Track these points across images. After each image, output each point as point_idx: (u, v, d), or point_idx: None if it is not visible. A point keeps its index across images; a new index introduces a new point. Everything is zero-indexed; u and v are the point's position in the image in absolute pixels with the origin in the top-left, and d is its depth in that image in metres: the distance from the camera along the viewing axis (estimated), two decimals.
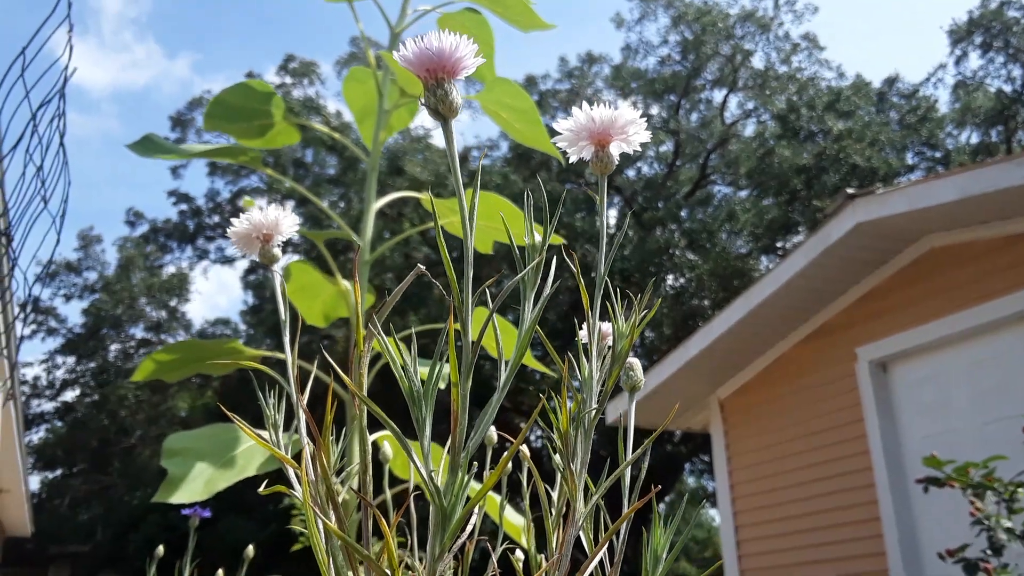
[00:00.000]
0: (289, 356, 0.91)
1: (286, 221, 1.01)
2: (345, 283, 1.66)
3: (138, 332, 20.98)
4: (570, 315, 17.68)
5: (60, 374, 20.94)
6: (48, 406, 21.03)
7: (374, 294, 1.67)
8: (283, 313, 0.91)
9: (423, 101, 0.78)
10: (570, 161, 0.90)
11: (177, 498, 1.57)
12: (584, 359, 0.93)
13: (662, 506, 20.91)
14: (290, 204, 20.42)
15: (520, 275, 0.78)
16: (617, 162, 0.88)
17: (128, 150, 1.60)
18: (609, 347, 0.97)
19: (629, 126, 0.87)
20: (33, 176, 1.50)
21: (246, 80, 1.68)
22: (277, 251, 1.01)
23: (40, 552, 18.62)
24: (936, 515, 5.42)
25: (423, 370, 1.31)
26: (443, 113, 0.79)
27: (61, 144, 1.54)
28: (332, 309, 1.79)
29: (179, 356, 1.51)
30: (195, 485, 1.52)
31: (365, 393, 1.44)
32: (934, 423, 5.62)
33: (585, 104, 0.86)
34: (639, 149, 0.89)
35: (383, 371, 1.83)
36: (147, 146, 1.61)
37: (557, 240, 1.57)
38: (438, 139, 20.04)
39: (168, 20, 32.55)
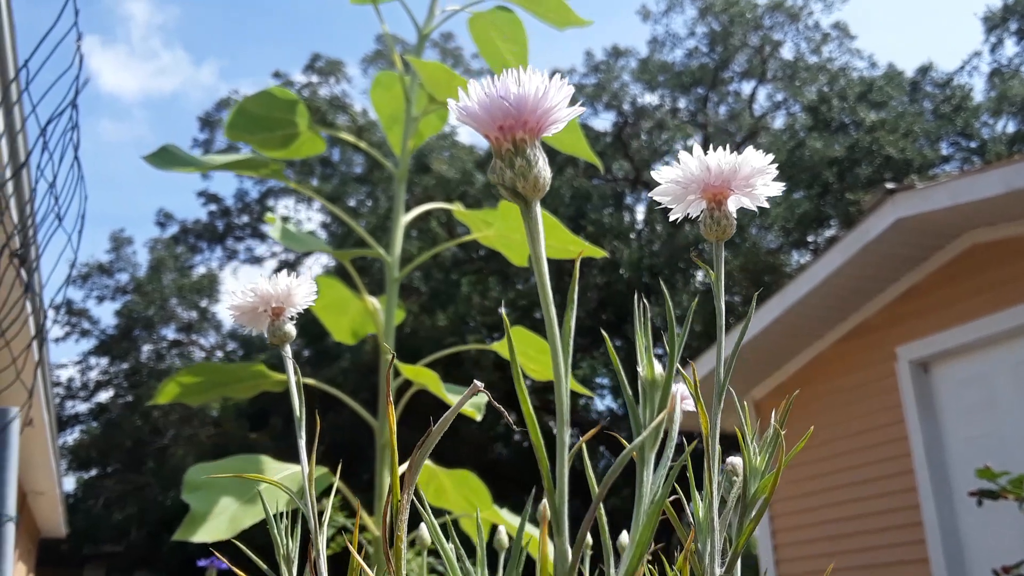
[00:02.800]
0: (306, 467, 0.74)
1: (300, 291, 0.82)
2: (372, 301, 1.57)
3: (170, 333, 21.17)
4: (598, 312, 17.56)
5: (94, 375, 21.18)
6: (82, 407, 21.28)
7: (404, 308, 1.58)
8: (298, 408, 0.76)
9: (491, 175, 0.57)
10: (664, 210, 0.70)
11: (200, 536, 1.49)
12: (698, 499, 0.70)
13: (690, 506, 20.72)
14: (316, 204, 20.46)
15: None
16: (735, 226, 0.69)
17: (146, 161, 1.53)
18: (735, 483, 0.73)
19: (756, 176, 0.66)
20: (46, 193, 1.43)
21: (269, 88, 1.60)
22: (290, 327, 0.81)
23: (75, 553, 18.85)
24: (983, 520, 5.24)
25: (454, 397, 1.21)
26: (524, 194, 0.56)
27: (76, 157, 1.47)
28: (360, 326, 1.71)
29: (203, 380, 1.43)
30: (219, 522, 1.44)
31: (395, 425, 1.35)
32: (979, 425, 5.44)
33: (697, 148, 0.68)
34: (759, 205, 0.68)
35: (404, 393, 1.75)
36: (165, 158, 1.53)
37: (600, 253, 1.47)
38: (464, 136, 19.97)
39: (195, 26, 32.82)
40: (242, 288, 0.83)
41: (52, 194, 1.46)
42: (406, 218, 1.54)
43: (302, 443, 0.75)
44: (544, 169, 0.57)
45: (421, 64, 1.40)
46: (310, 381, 1.35)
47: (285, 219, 21.67)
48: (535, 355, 1.49)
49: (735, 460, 0.76)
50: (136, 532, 19.38)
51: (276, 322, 0.83)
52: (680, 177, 0.64)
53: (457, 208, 1.58)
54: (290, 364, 0.77)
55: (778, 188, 0.65)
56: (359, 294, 1.61)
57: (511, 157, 0.55)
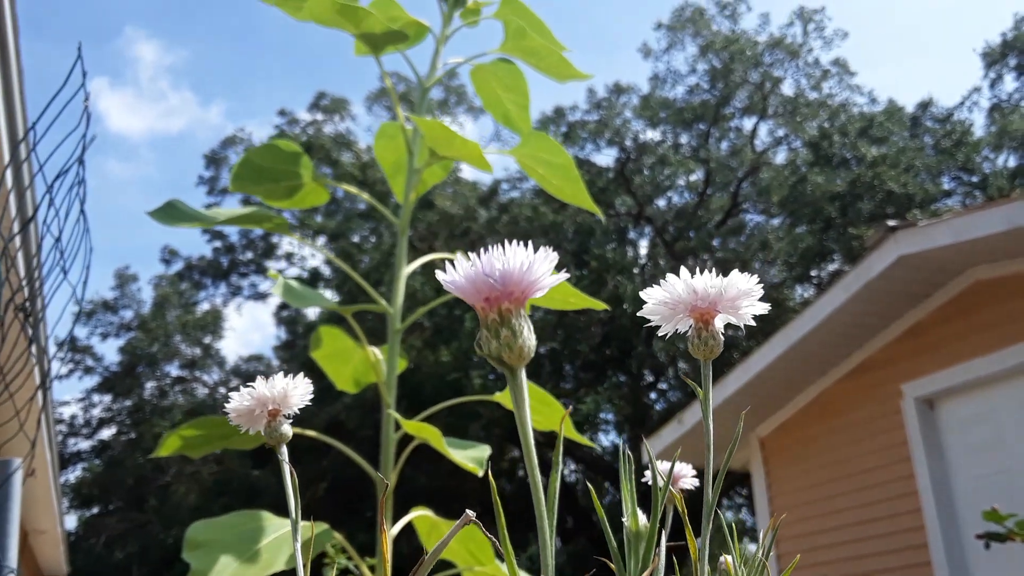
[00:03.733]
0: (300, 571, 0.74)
1: (296, 392, 0.84)
2: (375, 351, 1.58)
3: (173, 369, 21.15)
4: (602, 347, 17.52)
5: (97, 412, 21.14)
6: (84, 444, 21.21)
7: (406, 358, 1.58)
8: (294, 510, 0.76)
9: (478, 345, 0.58)
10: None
11: None
12: None
13: (699, 541, 20.46)
14: (321, 240, 20.55)
15: None
16: (722, 345, 0.70)
17: (152, 217, 1.55)
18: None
19: (741, 298, 0.67)
20: (52, 247, 1.45)
21: (273, 140, 1.62)
22: (287, 428, 0.83)
23: None
24: (993, 559, 5.19)
25: (467, 453, 1.21)
26: (509, 363, 0.57)
27: (82, 211, 1.50)
28: (363, 375, 1.71)
29: (204, 432, 1.43)
30: None
31: (396, 475, 1.35)
32: (987, 463, 5.41)
33: (684, 272, 0.69)
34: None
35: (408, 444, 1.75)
36: (170, 213, 1.55)
37: (600, 306, 1.48)
38: (467, 172, 20.08)
39: (203, 68, 33.25)
40: (240, 393, 0.84)
41: (58, 248, 1.48)
42: (408, 269, 1.56)
43: (298, 546, 0.76)
44: (529, 338, 0.58)
45: (423, 122, 1.43)
46: (311, 433, 1.36)
47: (289, 256, 21.67)
48: (536, 406, 1.49)
49: (728, 559, 0.77)
50: (138, 570, 19.20)
51: (273, 423, 0.84)
52: (668, 299, 0.66)
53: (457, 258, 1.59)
54: (286, 469, 0.78)
55: (764, 308, 0.66)
56: (361, 344, 1.62)
57: (497, 328, 0.56)
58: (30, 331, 1.49)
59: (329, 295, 20.86)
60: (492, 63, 1.84)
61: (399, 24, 1.83)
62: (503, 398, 1.50)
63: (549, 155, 1.68)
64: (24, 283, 1.59)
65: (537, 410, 1.49)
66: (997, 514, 3.07)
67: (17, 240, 1.71)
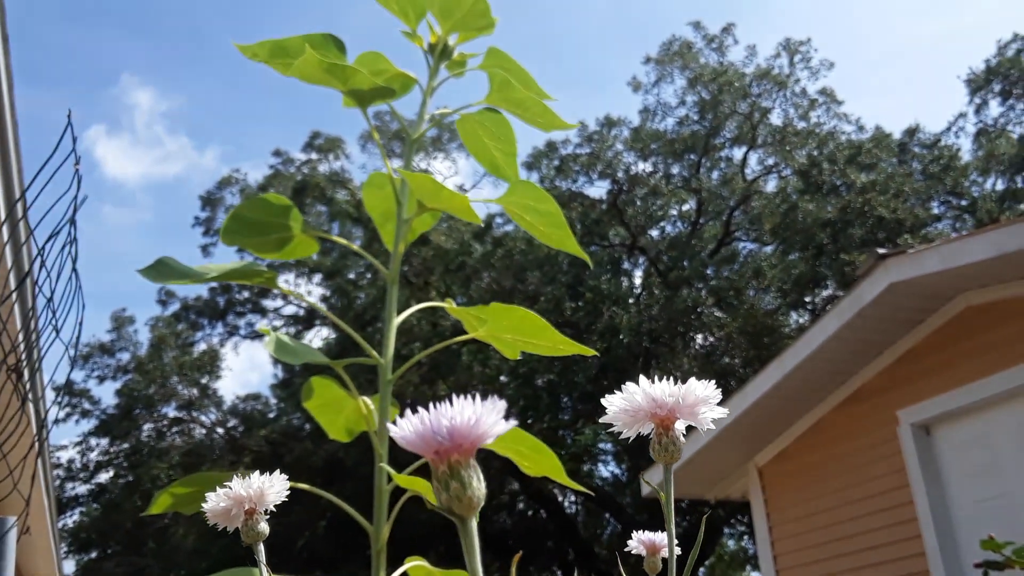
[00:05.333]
0: None
1: (272, 489, 0.85)
2: (366, 401, 1.60)
3: (170, 411, 21.06)
4: (599, 378, 17.48)
5: (94, 456, 21.01)
6: (82, 489, 21.05)
7: (397, 407, 1.60)
8: None
9: (432, 495, 0.60)
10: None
11: None
12: None
13: (702, 570, 20.32)
14: (317, 277, 20.57)
15: None
16: (683, 449, 0.73)
17: (142, 274, 1.58)
18: None
19: (699, 405, 0.71)
20: (44, 308, 1.48)
21: (264, 195, 1.65)
22: (264, 526, 0.84)
23: None
24: None
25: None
26: (459, 513, 0.58)
27: (74, 269, 1.53)
28: (355, 424, 1.73)
29: (196, 489, 1.45)
30: None
31: (389, 527, 1.36)
32: (986, 487, 5.41)
33: (643, 380, 0.72)
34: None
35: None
36: (160, 271, 1.58)
37: (589, 352, 1.51)
38: None
39: (198, 113, 33.58)
40: (216, 493, 0.85)
41: (50, 308, 1.50)
42: (398, 320, 1.58)
43: None
44: (478, 488, 0.60)
45: (411, 175, 1.46)
46: (303, 485, 1.38)
47: (285, 294, 21.66)
48: (528, 453, 1.51)
49: None
50: None
51: (250, 521, 0.85)
52: (628, 407, 0.68)
53: (449, 305, 1.63)
54: (264, 570, 0.80)
55: (722, 412, 0.70)
56: (352, 394, 1.64)
57: (447, 480, 0.58)
58: (23, 391, 1.51)
59: (325, 332, 20.84)
60: (478, 113, 1.88)
61: (386, 77, 1.87)
62: (495, 446, 1.52)
63: (536, 203, 1.72)
64: (19, 342, 1.61)
65: (529, 457, 1.51)
66: (994, 543, 3.07)
67: (13, 298, 1.74)
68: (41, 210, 1.41)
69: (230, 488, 0.84)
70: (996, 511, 5.27)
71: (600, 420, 0.70)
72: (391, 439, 1.52)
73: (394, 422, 0.60)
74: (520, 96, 1.93)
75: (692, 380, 0.70)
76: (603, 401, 0.70)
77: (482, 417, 0.58)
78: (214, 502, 0.85)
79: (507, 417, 0.60)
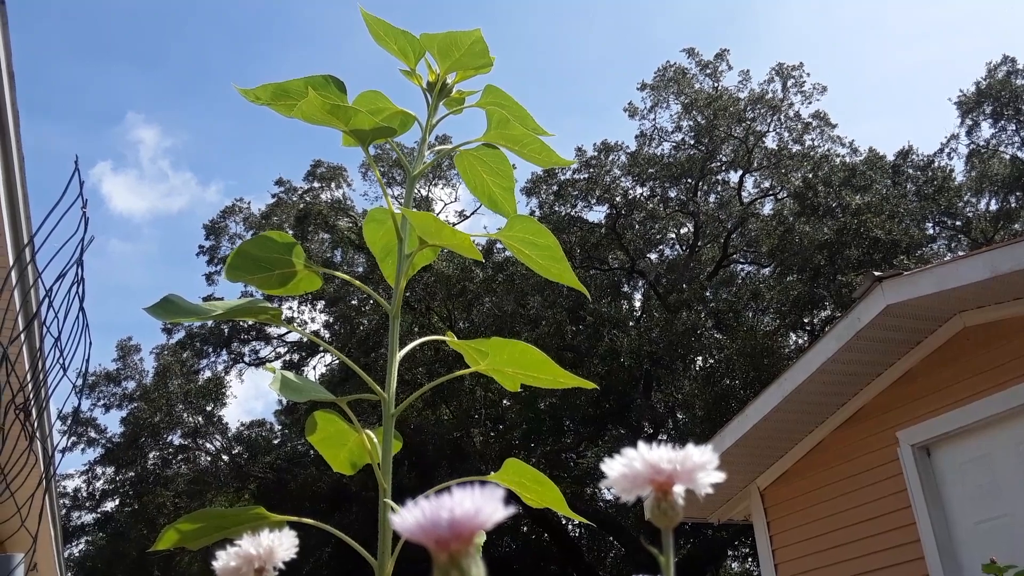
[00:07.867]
0: None
1: (282, 547, 0.86)
2: (370, 435, 1.62)
3: (176, 438, 21.04)
4: (601, 401, 17.46)
5: (100, 484, 20.98)
6: (88, 517, 20.99)
7: (401, 441, 1.63)
8: None
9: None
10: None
11: None
12: None
13: None
14: (320, 304, 20.59)
15: None
16: (682, 512, 0.74)
17: (148, 312, 1.62)
18: None
19: (697, 471, 0.72)
20: (51, 348, 1.51)
21: (267, 232, 1.69)
22: None
23: None
24: None
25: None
26: None
27: (81, 308, 1.56)
28: (359, 457, 1.75)
29: (203, 525, 1.47)
30: None
31: (393, 562, 1.39)
32: (987, 508, 5.40)
33: (642, 446, 0.74)
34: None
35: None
36: (166, 308, 1.61)
37: (589, 385, 1.54)
38: (463, 229, 20.22)
39: (202, 148, 33.96)
40: (227, 552, 0.87)
41: (57, 347, 1.54)
42: (401, 353, 1.61)
43: None
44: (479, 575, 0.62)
45: (411, 213, 1.50)
46: (309, 521, 1.41)
47: (289, 319, 21.70)
48: (531, 484, 1.53)
49: None
50: None
51: None
52: (627, 473, 0.71)
53: (451, 338, 1.66)
54: None
55: (719, 477, 0.71)
56: (356, 427, 1.66)
57: (447, 569, 0.61)
58: (31, 428, 1.54)
59: (329, 359, 20.82)
60: (477, 149, 1.93)
61: (386, 115, 1.92)
62: (498, 477, 1.54)
63: (534, 237, 1.75)
64: (27, 382, 1.64)
65: (531, 488, 1.54)
66: (996, 566, 3.09)
67: (22, 339, 1.77)
68: (49, 252, 1.45)
69: (240, 547, 0.85)
70: (997, 532, 5.26)
71: (602, 484, 0.72)
72: (394, 472, 1.55)
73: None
74: (518, 133, 1.98)
75: (690, 446, 0.72)
76: (602, 466, 0.72)
77: (482, 507, 0.59)
78: (224, 561, 0.85)
79: (507, 503, 0.62)
